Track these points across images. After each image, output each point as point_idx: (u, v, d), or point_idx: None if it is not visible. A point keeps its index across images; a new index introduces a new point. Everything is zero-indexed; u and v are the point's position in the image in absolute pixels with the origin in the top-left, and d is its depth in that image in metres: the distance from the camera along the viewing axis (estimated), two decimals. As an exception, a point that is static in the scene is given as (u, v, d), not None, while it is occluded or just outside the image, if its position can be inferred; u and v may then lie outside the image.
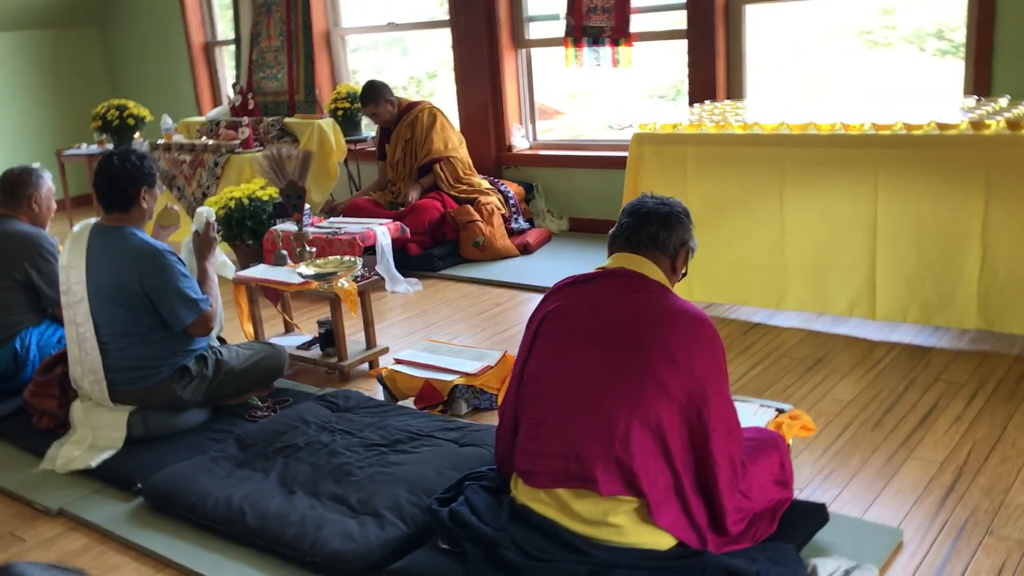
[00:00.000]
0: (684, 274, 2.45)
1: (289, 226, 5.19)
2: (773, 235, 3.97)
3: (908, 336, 3.77)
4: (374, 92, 5.53)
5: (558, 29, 5.71)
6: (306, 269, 3.62)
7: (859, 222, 3.75)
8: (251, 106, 6.40)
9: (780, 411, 2.79)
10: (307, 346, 3.89)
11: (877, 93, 5.17)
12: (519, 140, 6.11)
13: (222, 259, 3.47)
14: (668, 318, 2.17)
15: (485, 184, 5.64)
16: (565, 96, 6.75)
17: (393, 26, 6.66)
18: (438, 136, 5.60)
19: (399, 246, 5.20)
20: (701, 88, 5.20)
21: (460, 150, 5.68)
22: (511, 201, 5.70)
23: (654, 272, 2.28)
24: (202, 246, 3.34)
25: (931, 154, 3.54)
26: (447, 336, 4.17)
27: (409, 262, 5.24)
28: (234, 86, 6.70)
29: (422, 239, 5.32)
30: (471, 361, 3.44)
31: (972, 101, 4.01)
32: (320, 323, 3.80)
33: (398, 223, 5.13)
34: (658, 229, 2.30)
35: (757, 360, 3.64)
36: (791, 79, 5.66)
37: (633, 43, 5.48)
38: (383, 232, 5.00)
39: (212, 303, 3.18)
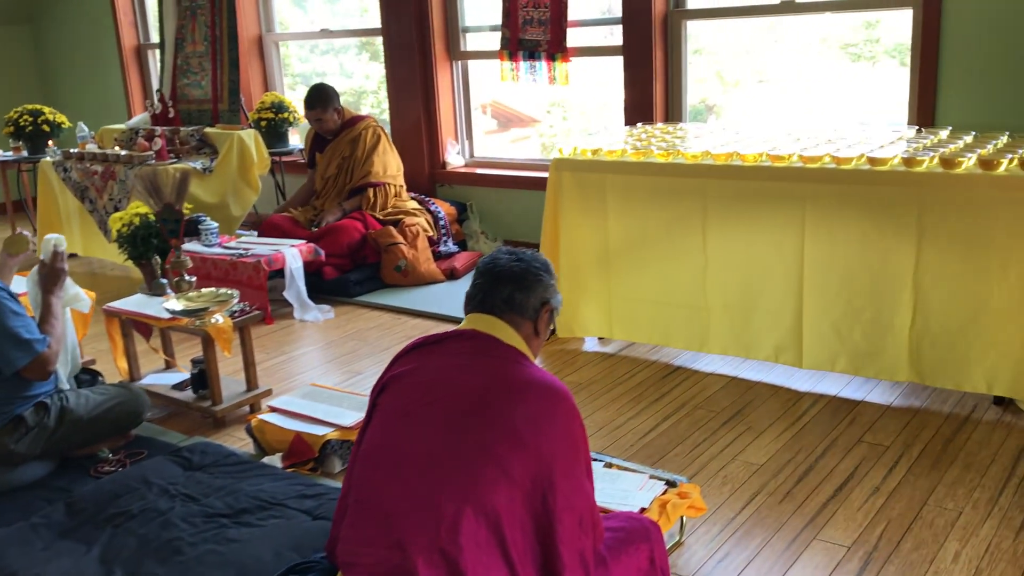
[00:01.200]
0: (552, 331, 2.13)
1: (196, 246, 4.87)
2: (695, 273, 3.67)
3: (837, 387, 3.47)
4: (323, 97, 5.20)
5: (496, 41, 5.40)
6: (174, 304, 3.29)
7: (785, 262, 3.45)
8: (171, 114, 6.05)
9: (672, 484, 2.49)
10: (183, 386, 3.55)
11: (832, 118, 4.89)
12: (454, 157, 5.79)
13: (74, 292, 3.14)
14: (517, 390, 1.86)
15: (412, 204, 5.31)
16: (544, 104, 6.35)
17: (326, 33, 6.33)
18: (379, 159, 5.26)
19: (314, 269, 4.88)
20: (637, 109, 4.90)
21: (398, 176, 5.35)
22: (441, 222, 5.38)
23: (510, 336, 1.97)
24: (48, 278, 3.01)
25: (860, 191, 3.25)
26: (345, 375, 3.85)
27: (324, 287, 4.91)
28: (158, 91, 6.35)
29: (341, 262, 5.00)
30: (351, 411, 3.12)
31: (911, 132, 3.73)
32: (194, 361, 3.47)
33: (311, 245, 4.81)
34: (513, 291, 1.98)
35: (671, 411, 3.33)
36: (766, 96, 5.33)
37: (570, 59, 5.17)
38: (293, 255, 4.69)
39: (52, 343, 2.85)
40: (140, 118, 6.26)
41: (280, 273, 4.65)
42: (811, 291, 3.42)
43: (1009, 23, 3.82)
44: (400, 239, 5.01)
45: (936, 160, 3.13)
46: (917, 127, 3.85)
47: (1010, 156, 3.05)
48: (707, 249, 3.62)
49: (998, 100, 3.91)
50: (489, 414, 1.82)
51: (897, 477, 2.79)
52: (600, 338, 4.03)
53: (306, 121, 5.49)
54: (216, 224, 4.90)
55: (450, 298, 4.75)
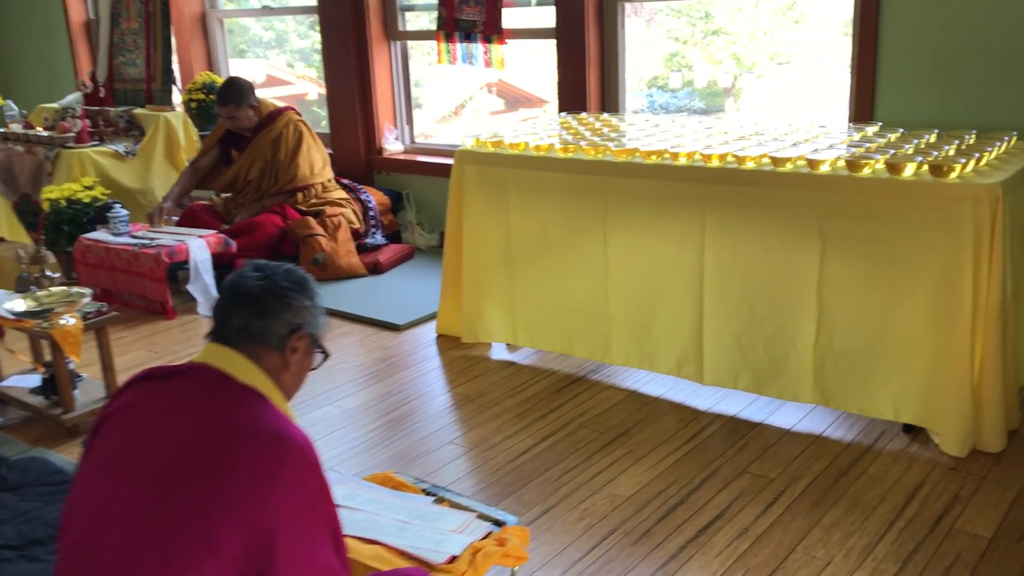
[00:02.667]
0: (324, 358, 1.86)
1: (103, 235, 4.64)
2: (597, 277, 3.39)
3: (739, 405, 3.19)
4: (235, 93, 4.87)
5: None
6: (18, 304, 3.05)
7: (685, 268, 3.17)
8: (102, 94, 5.81)
9: (500, 524, 2.23)
10: (40, 390, 3.32)
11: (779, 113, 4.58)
12: (391, 143, 5.52)
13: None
14: (234, 441, 1.58)
15: (338, 195, 5.04)
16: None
17: (268, 10, 6.06)
18: (304, 159, 4.95)
19: (226, 261, 4.63)
20: (571, 96, 4.61)
21: (325, 171, 5.06)
22: (371, 212, 5.12)
23: (247, 372, 1.70)
24: None
25: (760, 194, 2.95)
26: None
27: (235, 280, 4.65)
28: (91, 72, 6.11)
29: (256, 255, 4.73)
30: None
31: (844, 134, 3.42)
32: (46, 364, 3.24)
33: (221, 236, 4.56)
34: (250, 316, 1.72)
35: (554, 429, 3.06)
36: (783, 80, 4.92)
37: (506, 41, 4.87)
38: (199, 246, 4.44)
39: None
40: (73, 97, 6.02)
41: (181, 266, 4.41)
42: (712, 301, 3.14)
43: (948, 9, 3.49)
44: (319, 230, 4.75)
45: (841, 162, 2.83)
46: (853, 124, 3.54)
47: (920, 159, 2.74)
48: (608, 252, 3.34)
49: (940, 94, 3.59)
50: (196, 471, 1.55)
51: (772, 516, 2.51)
52: (508, 344, 3.76)
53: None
54: (126, 212, 4.66)
55: (368, 294, 4.50)
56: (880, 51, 3.67)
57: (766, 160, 2.97)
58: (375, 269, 4.82)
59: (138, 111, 5.57)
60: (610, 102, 4.63)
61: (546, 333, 3.60)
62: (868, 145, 3.03)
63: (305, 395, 3.37)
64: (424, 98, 6.08)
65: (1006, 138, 3.03)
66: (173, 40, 6.09)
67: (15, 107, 5.91)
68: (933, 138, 3.16)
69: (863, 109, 3.76)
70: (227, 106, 4.83)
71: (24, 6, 7.38)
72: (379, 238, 5.06)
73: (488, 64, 4.97)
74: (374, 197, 5.20)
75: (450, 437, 3.05)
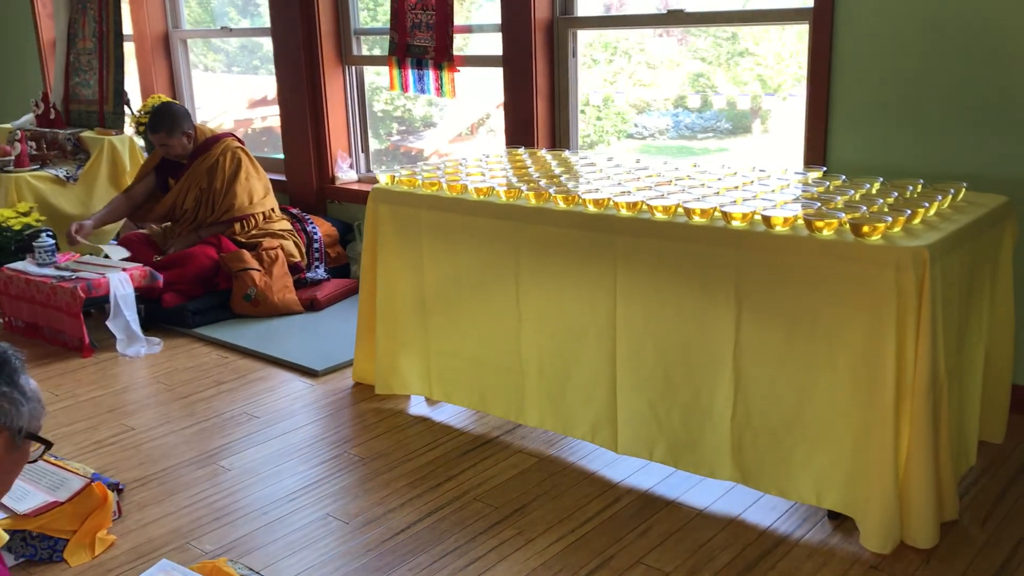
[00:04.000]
0: (45, 449, 1.60)
1: (26, 265, 4.43)
2: (510, 330, 3.11)
3: (655, 478, 2.89)
4: (167, 120, 4.64)
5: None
6: None
7: (598, 326, 2.88)
8: (53, 115, 5.62)
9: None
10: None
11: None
12: (345, 172, 5.27)
13: None
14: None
15: (280, 225, 4.79)
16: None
17: (226, 31, 5.85)
18: (242, 188, 4.71)
19: (154, 296, 4.40)
20: (520, 129, 4.33)
21: (267, 200, 4.81)
22: (316, 245, 4.87)
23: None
24: None
25: (673, 248, 2.66)
26: (116, 430, 3.36)
27: (162, 316, 4.43)
28: (44, 94, 5.93)
29: (188, 288, 4.50)
30: (42, 493, 2.62)
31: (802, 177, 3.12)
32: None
33: (146, 269, 4.33)
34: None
35: (445, 502, 2.78)
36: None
37: (458, 68, 4.62)
38: (120, 280, 4.21)
39: None
40: (27, 118, 5.85)
41: (100, 301, 4.18)
42: (625, 363, 2.84)
43: (905, 47, 3.18)
44: (253, 264, 4.51)
45: (758, 215, 2.53)
46: (805, 169, 3.23)
47: (842, 215, 2.43)
48: (520, 304, 3.06)
49: (895, 138, 3.28)
50: None
51: (655, 621, 2.21)
52: (428, 398, 3.49)
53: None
54: (53, 241, 4.44)
55: (296, 334, 4.24)
56: (832, 91, 3.36)
57: (681, 210, 2.68)
58: (312, 306, 4.57)
59: (85, 134, 5.37)
60: (561, 135, 4.36)
61: (461, 388, 3.32)
62: (797, 195, 2.73)
63: (191, 451, 3.12)
64: (438, 116, 5.83)
65: (952, 191, 2.71)
66: (134, 61, 5.91)
67: (-37, 127, 5.74)
68: (875, 187, 2.85)
69: (815, 151, 3.46)
70: (158, 133, 4.61)
71: (2, 23, 7.25)
72: (321, 272, 4.80)
73: (439, 92, 4.72)
74: (320, 228, 4.95)
75: (329, 508, 2.77)
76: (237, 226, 4.68)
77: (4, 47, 7.28)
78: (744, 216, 2.53)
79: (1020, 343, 3.15)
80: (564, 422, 3.06)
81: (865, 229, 2.34)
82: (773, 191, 2.82)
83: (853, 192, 2.74)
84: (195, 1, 6.20)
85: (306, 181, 5.26)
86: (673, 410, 2.77)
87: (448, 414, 3.40)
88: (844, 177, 2.97)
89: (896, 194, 2.67)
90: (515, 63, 4.26)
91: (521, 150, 3.81)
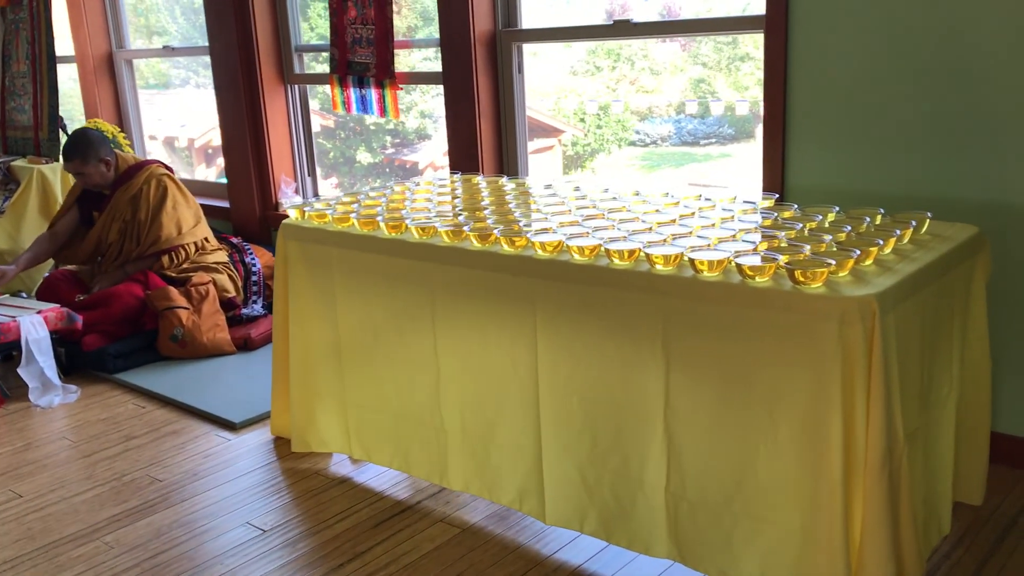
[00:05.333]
0: None
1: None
2: (429, 383, 2.78)
3: (588, 553, 2.55)
4: (82, 147, 4.30)
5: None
6: None
7: (520, 381, 2.55)
8: (-15, 144, 5.33)
9: None
10: None
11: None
12: (289, 197, 4.96)
13: None
14: None
15: (215, 258, 4.47)
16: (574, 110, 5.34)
17: (169, 50, 5.54)
18: (169, 218, 4.38)
19: (76, 338, 4.09)
20: (462, 153, 4.01)
21: (198, 229, 4.48)
22: (254, 278, 4.55)
23: None
24: None
25: (594, 294, 2.32)
26: (2, 497, 3.04)
27: (83, 360, 4.11)
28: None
29: (114, 329, 4.18)
30: None
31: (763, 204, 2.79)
32: None
33: (63, 310, 4.01)
34: None
35: (347, 585, 2.45)
36: None
37: (400, 86, 4.30)
38: (33, 324, 3.89)
39: None
40: (-41, 147, 5.55)
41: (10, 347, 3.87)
42: (550, 424, 2.51)
43: (867, 61, 2.85)
44: (179, 302, 4.19)
45: (686, 257, 2.19)
46: (767, 193, 2.89)
47: (779, 258, 2.09)
48: (439, 354, 2.73)
49: (857, 161, 2.94)
50: None
51: None
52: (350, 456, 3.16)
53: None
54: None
55: (221, 379, 3.92)
56: (789, 107, 3.03)
57: (603, 251, 2.35)
58: (246, 345, 4.24)
59: (16, 163, 5.07)
60: (508, 159, 4.03)
61: (382, 446, 2.99)
62: (736, 231, 2.39)
63: (77, 524, 2.80)
64: (432, 128, 5.51)
65: (913, 223, 2.37)
66: (77, 84, 5.62)
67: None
68: (830, 217, 2.51)
69: (773, 173, 3.13)
70: (72, 162, 4.29)
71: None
72: (257, 308, 4.48)
73: (383, 112, 4.40)
74: (261, 259, 4.64)
75: (211, 596, 2.44)
76: (165, 259, 4.36)
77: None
78: (668, 259, 2.19)
79: (1000, 387, 2.81)
80: (490, 487, 2.72)
81: (799, 276, 2.00)
82: (713, 225, 2.48)
83: (801, 226, 2.40)
84: (149, 18, 5.90)
85: (249, 208, 4.95)
86: (603, 477, 2.44)
87: (371, 474, 3.07)
88: (796, 207, 2.63)
89: (849, 228, 2.33)
90: (455, 81, 3.94)
91: (454, 177, 3.48)
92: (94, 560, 2.63)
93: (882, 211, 2.52)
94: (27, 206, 4.89)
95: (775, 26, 3.00)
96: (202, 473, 3.13)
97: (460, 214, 2.84)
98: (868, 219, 2.43)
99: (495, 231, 2.55)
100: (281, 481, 3.05)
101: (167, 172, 4.47)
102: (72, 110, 6.20)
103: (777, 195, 2.83)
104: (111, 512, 2.90)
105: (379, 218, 2.82)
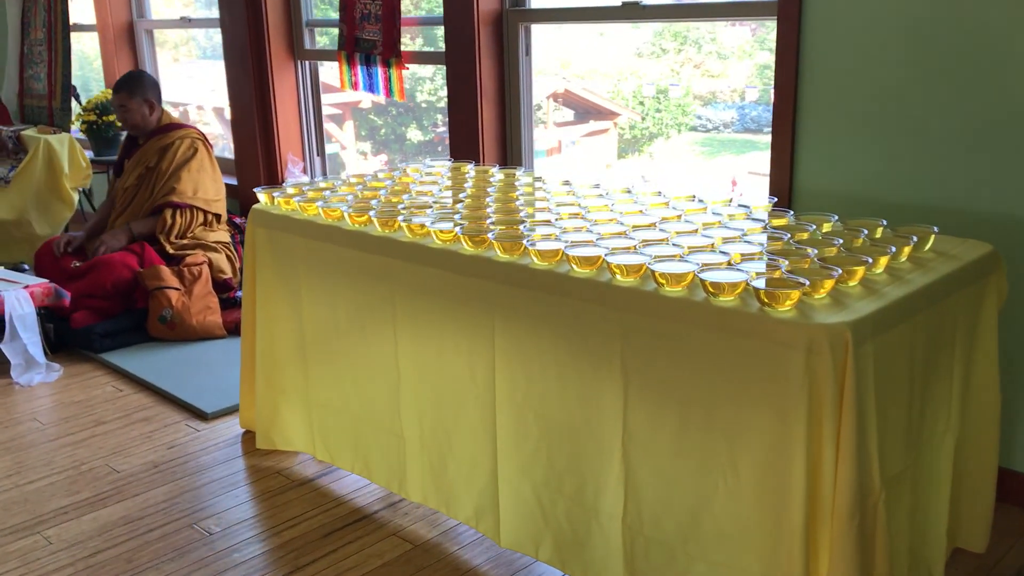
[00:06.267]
0: None
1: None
2: (389, 386, 2.60)
3: (543, 580, 2.36)
4: (133, 82, 4.25)
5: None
6: None
7: (477, 390, 2.36)
8: (-2, 112, 5.27)
9: None
10: None
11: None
12: (296, 177, 4.81)
13: None
14: None
15: (216, 237, 4.35)
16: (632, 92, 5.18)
17: (185, 21, 5.42)
18: (188, 176, 4.27)
19: (65, 314, 4.00)
20: (464, 139, 3.81)
21: (215, 203, 4.35)
22: (253, 259, 4.40)
23: None
24: None
25: (553, 303, 2.12)
26: (-46, 480, 2.95)
27: (71, 338, 4.02)
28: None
29: (103, 305, 4.08)
30: None
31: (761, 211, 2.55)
32: None
33: (51, 286, 3.91)
34: None
35: (282, 601, 2.29)
36: None
37: (407, 66, 4.11)
38: (19, 299, 3.80)
39: None
40: (-25, 114, 5.51)
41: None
42: (506, 438, 2.32)
43: (886, 51, 2.58)
44: (171, 282, 4.07)
45: (650, 268, 1.97)
46: (773, 197, 2.64)
47: (747, 276, 1.86)
48: (399, 356, 2.55)
49: (866, 161, 2.68)
50: None
51: None
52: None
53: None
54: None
55: (203, 364, 3.79)
56: (800, 101, 2.77)
57: (565, 257, 2.14)
58: (237, 329, 4.11)
59: (25, 132, 4.99)
60: (512, 147, 3.82)
61: (344, 448, 2.83)
62: (714, 240, 2.16)
63: (22, 515, 2.70)
64: None
65: (915, 238, 2.11)
66: (98, 51, 5.54)
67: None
68: (825, 228, 2.27)
69: (781, 173, 2.88)
70: (119, 93, 4.24)
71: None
72: (254, 291, 4.33)
73: (388, 92, 4.21)
74: (262, 241, 4.49)
75: (139, 604, 2.30)
76: (168, 215, 4.20)
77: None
78: (629, 270, 1.98)
79: (1014, 421, 2.54)
80: (447, 501, 2.54)
81: (765, 297, 1.77)
82: (694, 231, 2.25)
83: (789, 237, 2.16)
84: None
85: (255, 186, 4.80)
86: (558, 501, 2.24)
87: (335, 477, 2.91)
88: (791, 214, 2.39)
89: (840, 242, 2.08)
90: (457, 62, 3.74)
91: (440, 165, 3.29)
92: (29, 556, 2.51)
93: (884, 223, 2.26)
94: (33, 177, 4.81)
95: (788, 14, 2.75)
96: (163, 466, 3.00)
97: (430, 207, 2.64)
98: (866, 232, 2.18)
99: (456, 230, 2.35)
100: (241, 479, 2.91)
101: (204, 140, 4.36)
102: (87, 80, 6.14)
103: (775, 199, 2.58)
104: (60, 503, 2.78)
105: (344, 207, 2.64)
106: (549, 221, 2.41)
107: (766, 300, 1.77)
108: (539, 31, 3.75)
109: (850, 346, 1.70)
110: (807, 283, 1.79)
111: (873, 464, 1.79)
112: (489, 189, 2.84)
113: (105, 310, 4.08)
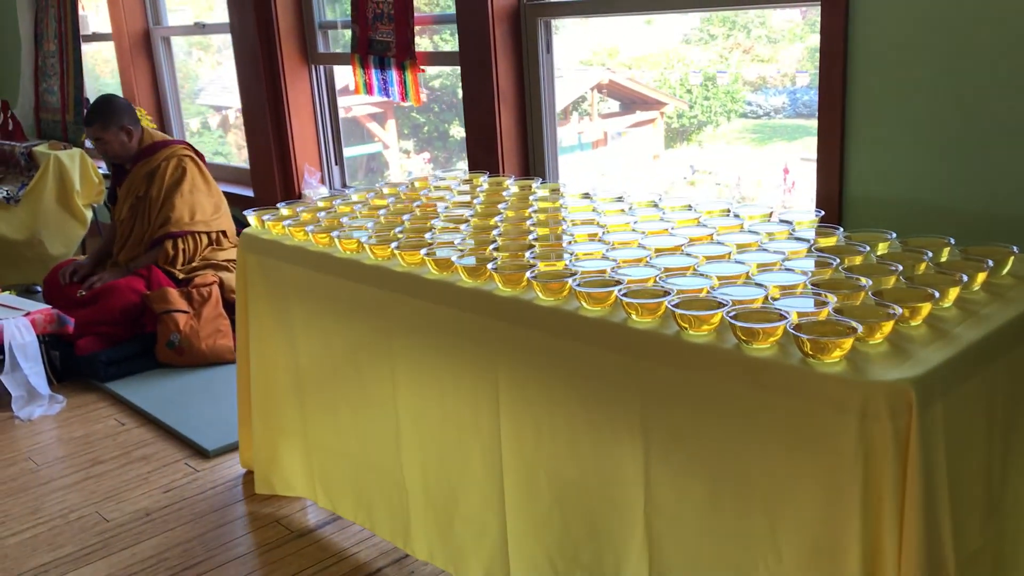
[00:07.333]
0: None
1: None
2: (390, 430, 2.34)
3: (560, 657, 2.06)
4: (104, 111, 4.00)
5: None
6: None
7: (482, 441, 2.07)
8: (11, 127, 5.10)
9: None
10: None
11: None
12: (313, 188, 4.56)
13: None
14: None
15: (228, 255, 4.12)
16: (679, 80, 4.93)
17: (200, 27, 5.21)
18: (182, 201, 4.04)
19: (72, 340, 3.80)
20: (480, 146, 3.52)
21: (213, 220, 4.11)
22: (268, 277, 4.17)
23: None
24: None
25: (563, 348, 1.82)
26: (-66, 532, 2.74)
27: (76, 365, 3.82)
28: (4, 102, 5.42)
29: (112, 331, 3.88)
30: None
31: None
32: None
33: (53, 312, 3.72)
34: None
35: None
36: None
37: (422, 68, 3.83)
38: (18, 328, 3.62)
39: None
40: (-10, 130, 5.36)
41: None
42: (516, 498, 2.03)
43: (949, 41, 2.23)
44: (179, 305, 3.84)
45: (668, 308, 1.66)
46: (819, 211, 2.31)
47: (786, 317, 1.54)
48: (398, 398, 2.27)
49: (927, 166, 2.33)
50: None
51: None
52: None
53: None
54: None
55: (216, 393, 3.56)
56: (849, 97, 2.44)
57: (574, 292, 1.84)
58: (250, 354, 3.87)
59: (38, 148, 4.82)
60: (533, 155, 3.52)
61: (346, 496, 2.57)
62: (749, 268, 1.84)
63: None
64: None
65: (990, 262, 1.77)
66: (117, 63, 5.36)
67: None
68: (881, 249, 1.94)
69: (829, 177, 2.54)
70: (92, 126, 3.99)
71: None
72: (268, 312, 4.10)
73: (403, 96, 3.94)
74: (277, 257, 4.25)
75: None
76: (169, 245, 3.99)
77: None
78: (646, 309, 1.67)
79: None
80: (455, 560, 2.26)
81: (808, 347, 1.45)
82: (725, 257, 1.94)
83: (838, 263, 1.83)
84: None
85: (271, 199, 4.57)
86: (574, 571, 1.95)
87: (338, 527, 2.65)
88: (842, 231, 2.06)
89: (900, 268, 1.75)
90: (471, 62, 3.45)
91: (451, 176, 3.00)
92: (-2, 625, 2.29)
93: (951, 241, 1.93)
94: (43, 194, 4.64)
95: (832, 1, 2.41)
96: (155, 514, 2.77)
97: (432, 230, 2.36)
98: (930, 254, 1.84)
99: (452, 257, 2.06)
100: (236, 530, 2.66)
101: (191, 154, 4.13)
102: (103, 91, 5.95)
103: (822, 212, 2.25)
104: (40, 560, 2.56)
105: (335, 233, 2.37)
106: (560, 246, 2.11)
107: (810, 351, 1.45)
108: (576, 23, 3.44)
109: (915, 408, 1.38)
110: (860, 328, 1.47)
111: (945, 544, 1.47)
112: (500, 206, 2.54)
113: (112, 336, 3.87)
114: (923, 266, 1.81)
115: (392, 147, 5.21)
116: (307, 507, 2.75)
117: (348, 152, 5.32)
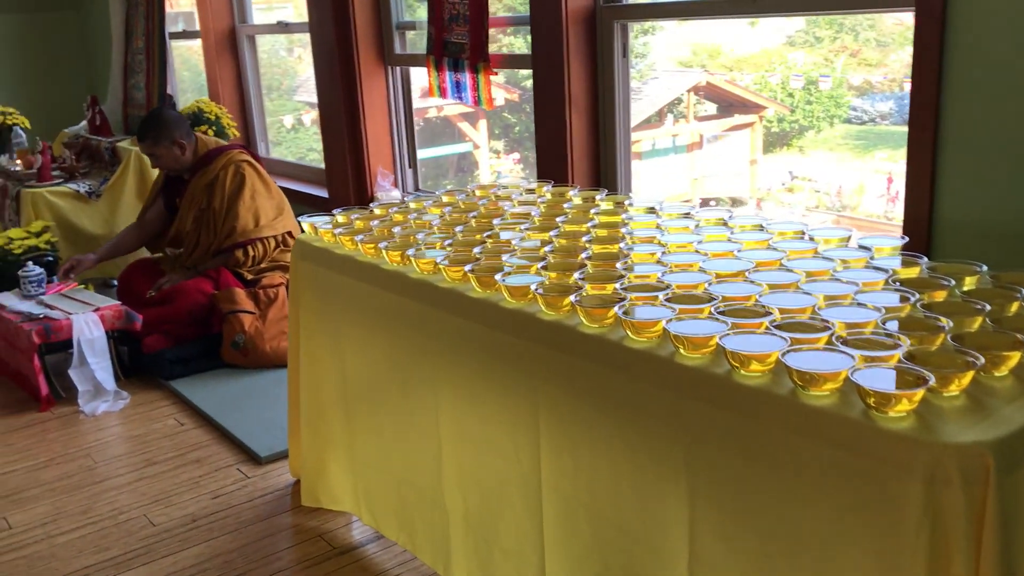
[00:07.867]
0: None
1: (8, 297, 3.96)
2: (432, 451, 2.24)
3: None
4: (154, 128, 3.98)
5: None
6: None
7: (522, 471, 1.96)
8: (98, 122, 5.19)
9: None
10: None
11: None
12: (386, 191, 4.50)
13: None
14: None
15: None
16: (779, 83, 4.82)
17: (283, 26, 5.21)
18: (246, 208, 4.01)
19: (139, 337, 3.83)
20: (549, 155, 3.40)
21: (277, 222, 4.08)
22: (336, 279, 4.13)
23: None
24: None
25: (606, 378, 1.69)
26: (-13, 527, 2.76)
27: (142, 363, 3.84)
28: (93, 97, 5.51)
29: (180, 330, 3.88)
30: None
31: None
32: None
33: (122, 308, 3.74)
34: None
35: None
36: None
37: (495, 71, 3.73)
38: (87, 323, 3.65)
39: None
40: (82, 124, 5.47)
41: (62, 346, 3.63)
42: (554, 532, 1.91)
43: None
44: (245, 305, 3.83)
45: (718, 344, 1.51)
46: (904, 237, 2.13)
47: (865, 354, 1.38)
48: (440, 418, 2.17)
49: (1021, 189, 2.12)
50: None
51: None
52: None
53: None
54: (39, 270, 3.93)
55: (269, 397, 3.52)
56: (943, 110, 2.23)
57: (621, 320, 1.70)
58: (314, 357, 3.83)
59: (121, 143, 4.89)
60: (605, 166, 3.38)
61: (389, 516, 2.48)
62: (816, 300, 1.67)
63: (43, 569, 2.48)
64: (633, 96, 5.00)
65: (1092, 305, 1.57)
66: (202, 60, 5.41)
67: (22, 134, 5.40)
68: (968, 283, 1.75)
69: (919, 199, 2.34)
70: (144, 142, 3.99)
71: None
72: (334, 315, 4.05)
73: (476, 101, 3.84)
74: (346, 260, 4.21)
75: None
76: (240, 254, 3.99)
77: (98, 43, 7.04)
78: (694, 344, 1.52)
79: None
80: (494, 590, 2.15)
81: (872, 398, 1.29)
82: (792, 286, 1.77)
83: (917, 298, 1.65)
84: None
85: (344, 201, 4.53)
86: (615, 615, 1.81)
87: (383, 546, 2.57)
88: (926, 261, 1.87)
89: (985, 307, 1.56)
90: (542, 66, 3.33)
91: (513, 186, 2.89)
92: (33, 630, 2.27)
93: (1049, 278, 1.72)
94: (123, 189, 4.70)
95: (929, 3, 2.21)
96: (201, 521, 2.73)
97: (485, 243, 2.24)
98: (1022, 292, 1.65)
99: (496, 276, 1.94)
100: (279, 543, 2.60)
101: (248, 159, 4.11)
102: (186, 88, 6.02)
103: (907, 239, 2.06)
104: (85, 562, 2.54)
105: (382, 244, 2.27)
106: (614, 266, 1.97)
107: (873, 403, 1.29)
108: (673, 24, 3.29)
109: (992, 475, 1.21)
110: (931, 380, 1.30)
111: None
112: (559, 219, 2.41)
113: (178, 335, 3.88)
114: (1015, 306, 1.62)
115: (482, 147, 5.14)
116: (352, 522, 2.67)
117: (438, 152, 5.26)
